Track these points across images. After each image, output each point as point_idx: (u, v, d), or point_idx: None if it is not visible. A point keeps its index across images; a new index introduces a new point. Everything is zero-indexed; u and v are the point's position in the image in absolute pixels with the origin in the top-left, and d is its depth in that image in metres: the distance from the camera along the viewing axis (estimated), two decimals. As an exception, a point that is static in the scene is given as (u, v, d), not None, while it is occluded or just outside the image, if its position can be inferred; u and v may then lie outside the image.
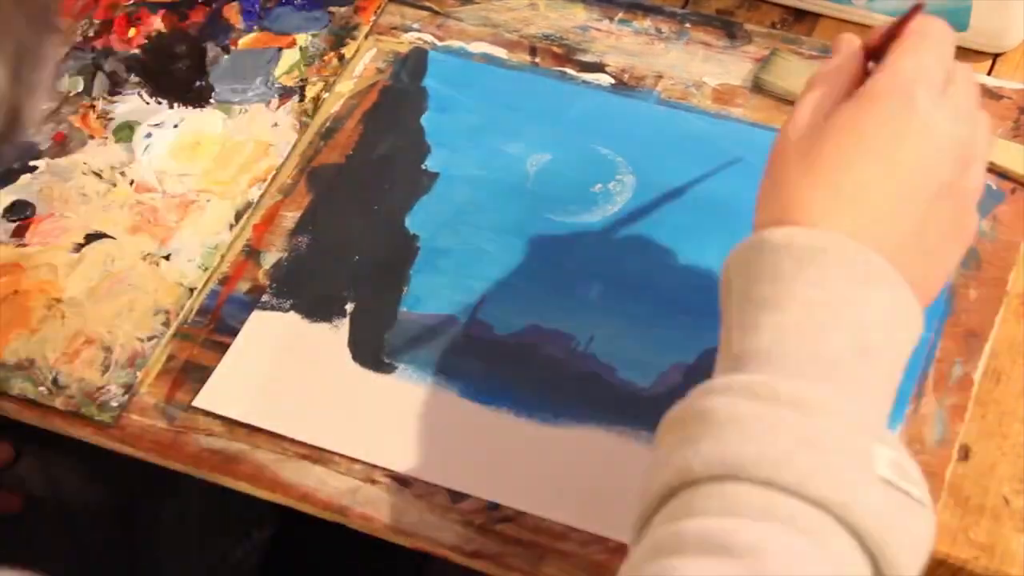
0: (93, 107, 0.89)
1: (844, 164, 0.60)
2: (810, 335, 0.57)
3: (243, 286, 0.81)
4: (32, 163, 0.86)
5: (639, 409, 0.73)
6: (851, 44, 0.66)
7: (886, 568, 0.53)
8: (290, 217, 0.83)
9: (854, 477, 0.53)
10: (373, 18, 0.92)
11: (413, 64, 0.89)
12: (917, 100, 0.60)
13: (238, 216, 0.83)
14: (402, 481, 0.73)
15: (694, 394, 0.57)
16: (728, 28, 0.89)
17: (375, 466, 0.73)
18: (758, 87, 0.85)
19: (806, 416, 0.54)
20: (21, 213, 0.84)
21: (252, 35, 0.92)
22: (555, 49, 0.89)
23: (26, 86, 0.50)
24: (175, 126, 0.88)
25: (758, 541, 0.51)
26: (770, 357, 0.57)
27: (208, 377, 0.77)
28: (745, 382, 0.56)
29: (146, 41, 0.92)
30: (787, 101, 0.84)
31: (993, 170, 0.80)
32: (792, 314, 0.57)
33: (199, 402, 0.76)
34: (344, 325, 0.78)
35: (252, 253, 0.82)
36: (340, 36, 0.91)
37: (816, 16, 0.89)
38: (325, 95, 0.88)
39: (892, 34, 0.64)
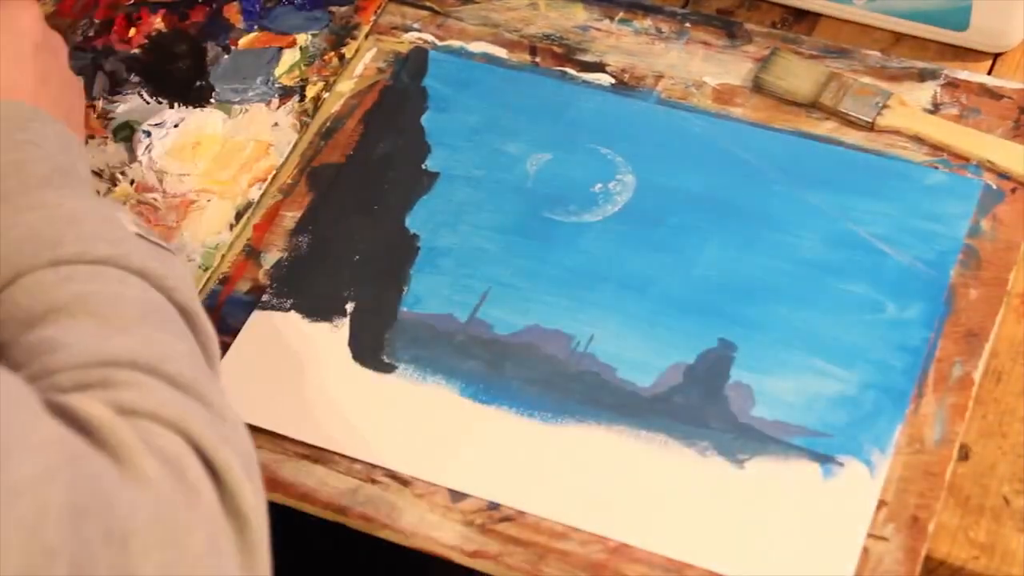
0: (93, 107, 0.89)
1: None
2: (15, 172, 0.64)
3: (243, 286, 0.81)
4: (32, 163, 0.86)
5: (639, 409, 0.74)
6: None
7: (173, 294, 0.62)
8: (290, 217, 0.83)
9: (118, 235, 0.63)
10: (373, 18, 0.92)
11: (413, 64, 0.89)
12: None
13: (238, 216, 0.83)
14: (402, 481, 0.73)
15: None
16: (728, 28, 0.89)
17: (375, 466, 0.73)
18: (758, 87, 0.85)
19: (55, 208, 0.63)
20: (21, 213, 0.84)
21: (252, 35, 0.92)
22: (555, 49, 0.89)
23: None
24: (175, 126, 0.88)
25: (77, 294, 0.60)
26: None
27: (208, 377, 0.77)
28: None
29: (146, 41, 0.92)
30: (787, 101, 0.84)
31: (993, 170, 0.80)
32: None
33: (199, 402, 0.76)
34: (344, 325, 0.78)
35: (252, 253, 0.82)
36: (340, 36, 0.91)
37: (816, 16, 0.89)
38: (325, 95, 0.88)
39: None
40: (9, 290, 0.60)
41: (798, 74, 0.85)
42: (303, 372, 0.77)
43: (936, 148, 0.82)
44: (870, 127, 0.83)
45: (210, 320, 0.64)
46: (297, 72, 0.90)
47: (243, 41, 0.92)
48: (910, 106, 0.83)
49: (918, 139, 0.82)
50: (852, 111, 0.83)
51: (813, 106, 0.84)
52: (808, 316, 0.76)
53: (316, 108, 0.88)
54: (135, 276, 0.62)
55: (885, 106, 0.83)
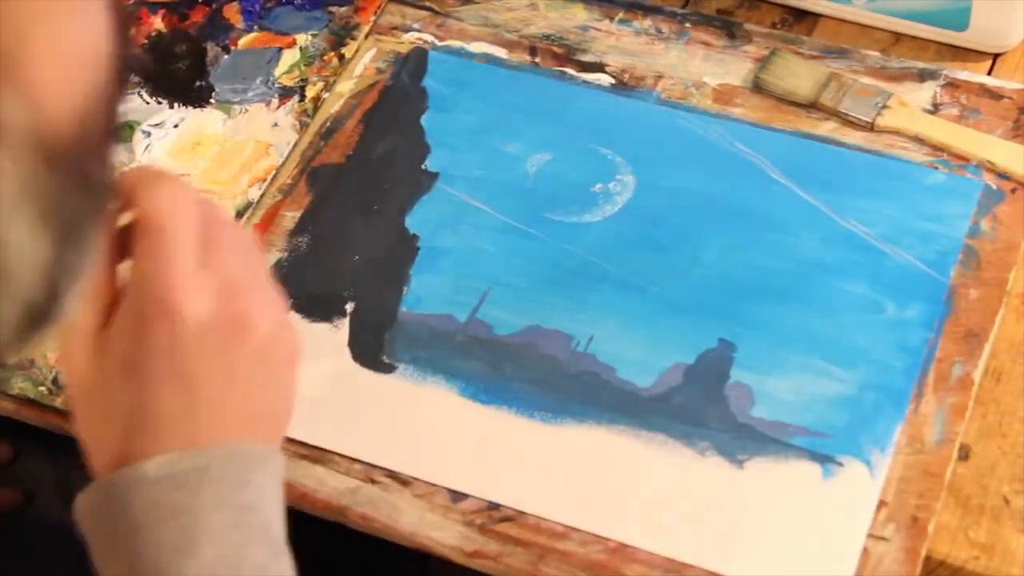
0: (93, 107, 0.89)
1: (152, 391, 0.59)
2: (234, 565, 0.58)
3: (243, 286, 0.80)
4: (32, 163, 0.86)
5: (639, 409, 0.74)
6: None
7: None
8: (290, 217, 0.83)
9: None
10: (373, 18, 0.92)
11: (413, 64, 0.89)
12: (179, 312, 0.59)
13: (238, 216, 0.83)
14: (402, 481, 0.73)
15: None
16: (728, 28, 0.89)
17: (375, 466, 0.73)
18: (758, 87, 0.85)
19: None
20: (21, 213, 0.84)
21: (252, 35, 0.92)
22: (555, 49, 0.89)
23: (69, 267, 0.47)
24: (175, 126, 0.88)
25: None
26: None
27: (208, 377, 0.77)
28: None
29: (146, 41, 0.92)
30: (787, 101, 0.84)
31: (993, 170, 0.80)
32: (210, 552, 0.57)
33: (199, 402, 0.76)
34: (344, 325, 0.78)
35: (252, 253, 0.82)
36: (340, 36, 0.91)
37: (816, 16, 0.89)
38: (325, 95, 0.88)
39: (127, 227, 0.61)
40: None
41: (798, 74, 0.85)
42: (303, 372, 0.76)
43: (936, 148, 0.82)
44: (870, 127, 0.83)
45: None
46: (297, 72, 0.90)
47: (243, 41, 0.92)
48: (910, 106, 0.83)
49: (918, 139, 0.82)
50: (852, 111, 0.83)
51: (813, 106, 0.84)
52: (808, 316, 0.76)
53: (316, 108, 0.88)
54: None
55: (885, 106, 0.83)
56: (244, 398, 0.61)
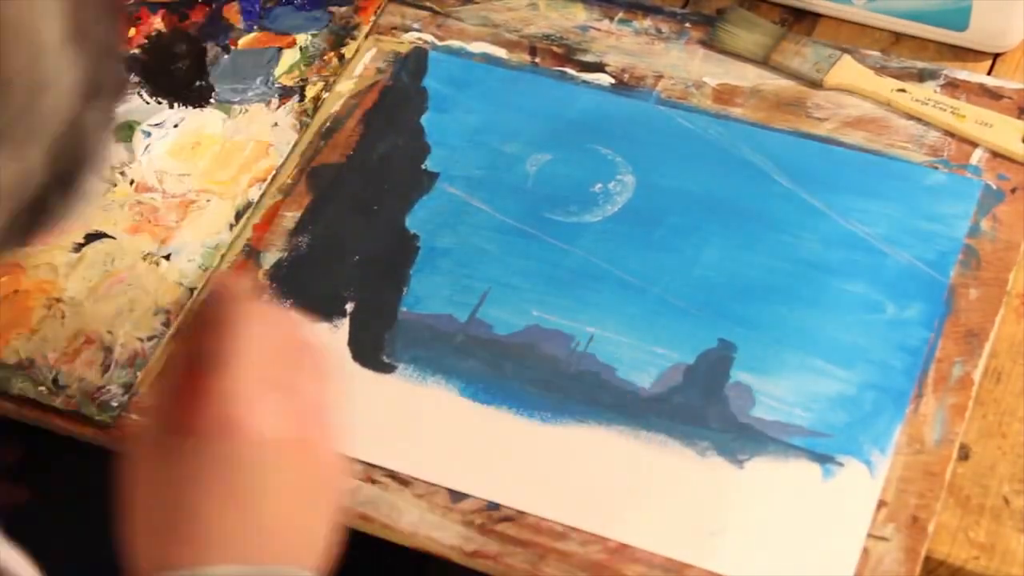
0: (93, 107, 0.89)
1: (206, 503, 0.59)
2: None
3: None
4: (32, 163, 0.86)
5: (639, 409, 0.74)
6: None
7: None
8: (290, 217, 0.83)
9: None
10: (373, 18, 0.92)
11: (413, 64, 0.89)
12: (246, 428, 0.59)
13: (238, 216, 0.83)
14: (402, 481, 0.73)
15: None
16: (728, 28, 0.89)
17: (375, 466, 0.73)
18: (712, 43, 0.87)
19: None
20: (21, 213, 0.84)
21: (252, 35, 0.92)
22: (555, 49, 0.89)
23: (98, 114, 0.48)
24: (175, 126, 0.88)
25: None
26: None
27: (208, 377, 0.77)
28: None
29: (146, 41, 0.92)
30: (740, 57, 0.87)
31: (999, 153, 0.80)
32: None
33: (199, 402, 0.76)
34: (344, 325, 0.78)
35: (252, 253, 0.82)
36: (340, 36, 0.91)
37: (816, 16, 0.89)
38: (325, 95, 0.88)
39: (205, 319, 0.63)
40: None
41: (752, 31, 0.87)
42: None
43: (879, 104, 0.84)
44: (820, 84, 0.84)
45: None
46: (297, 72, 0.90)
47: (243, 41, 0.92)
48: (860, 65, 0.85)
49: (872, 100, 0.84)
50: (802, 68, 0.85)
51: (765, 63, 0.86)
52: (808, 316, 0.76)
53: (316, 108, 0.88)
54: None
55: (835, 65, 0.85)
56: (302, 523, 0.61)
